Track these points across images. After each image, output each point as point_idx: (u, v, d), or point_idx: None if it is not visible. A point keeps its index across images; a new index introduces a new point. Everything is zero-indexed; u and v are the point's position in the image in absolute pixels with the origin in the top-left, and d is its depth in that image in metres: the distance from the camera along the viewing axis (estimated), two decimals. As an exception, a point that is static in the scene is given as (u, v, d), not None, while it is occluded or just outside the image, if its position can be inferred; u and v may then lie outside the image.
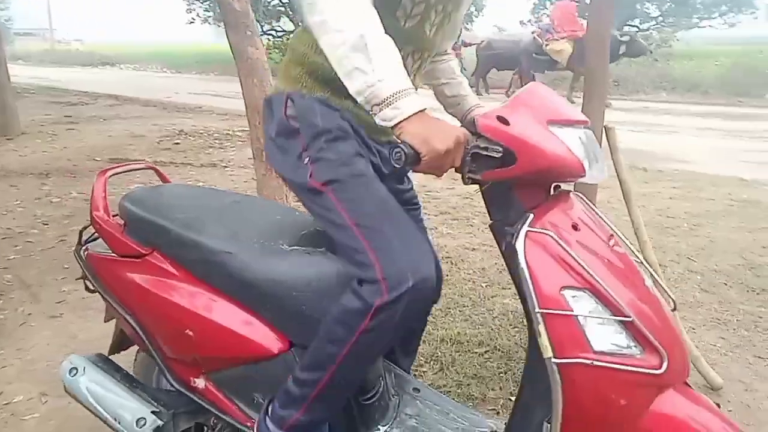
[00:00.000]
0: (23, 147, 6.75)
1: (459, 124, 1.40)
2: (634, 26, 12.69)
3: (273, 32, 16.17)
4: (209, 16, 21.60)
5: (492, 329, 2.62)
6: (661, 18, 19.10)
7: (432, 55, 1.35)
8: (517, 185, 1.09)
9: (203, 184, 5.22)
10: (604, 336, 1.00)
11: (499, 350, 2.44)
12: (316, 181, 1.15)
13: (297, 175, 1.19)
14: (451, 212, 4.41)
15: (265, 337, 1.31)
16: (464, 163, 1.03)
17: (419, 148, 0.95)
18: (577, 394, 1.00)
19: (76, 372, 1.57)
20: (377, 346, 1.18)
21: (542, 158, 1.02)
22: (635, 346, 1.00)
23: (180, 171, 5.73)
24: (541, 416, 1.10)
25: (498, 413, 2.07)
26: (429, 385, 1.72)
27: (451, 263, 3.39)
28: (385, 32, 1.05)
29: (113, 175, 1.71)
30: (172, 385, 1.50)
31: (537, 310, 1.00)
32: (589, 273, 1.00)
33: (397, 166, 0.95)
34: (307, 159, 1.17)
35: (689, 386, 1.07)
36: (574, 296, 1.01)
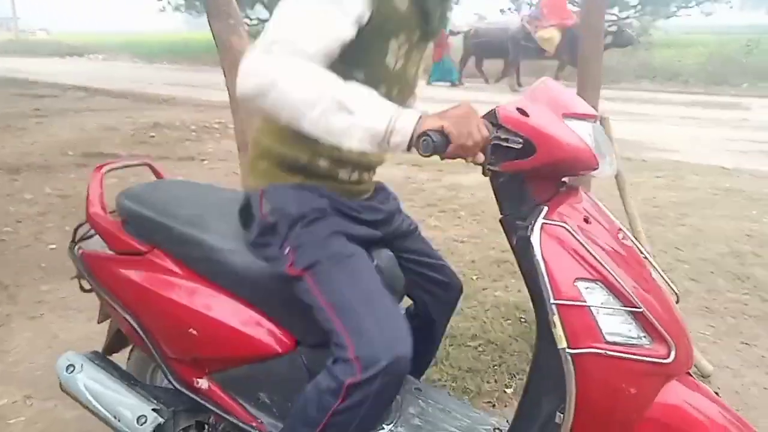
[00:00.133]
0: (-9, 142, 6.53)
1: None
2: (613, 14, 12.74)
3: (248, 20, 15.92)
4: (181, 5, 21.19)
5: (485, 322, 2.60)
6: (639, 6, 19.29)
7: (413, 92, 1.36)
8: (529, 179, 1.11)
9: (181, 177, 5.09)
10: (616, 326, 1.03)
11: (492, 343, 2.42)
12: (295, 268, 1.17)
13: (279, 265, 1.21)
14: (438, 204, 4.38)
15: (270, 335, 1.31)
16: (485, 153, 1.04)
17: (447, 129, 0.95)
18: (589, 384, 1.02)
19: (74, 369, 1.56)
20: (351, 428, 1.13)
21: (561, 149, 1.03)
22: (645, 337, 1.04)
23: (157, 164, 5.58)
24: (549, 407, 1.13)
25: (494, 406, 2.07)
26: (425, 380, 1.72)
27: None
28: (377, 77, 1.13)
29: (109, 171, 1.68)
30: (173, 386, 1.48)
31: (552, 301, 1.03)
32: (601, 265, 1.03)
33: (426, 154, 0.95)
34: (287, 249, 1.19)
35: (691, 375, 1.11)
36: (587, 288, 1.03)
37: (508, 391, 2.11)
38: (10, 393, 2.16)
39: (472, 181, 4.98)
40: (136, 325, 1.48)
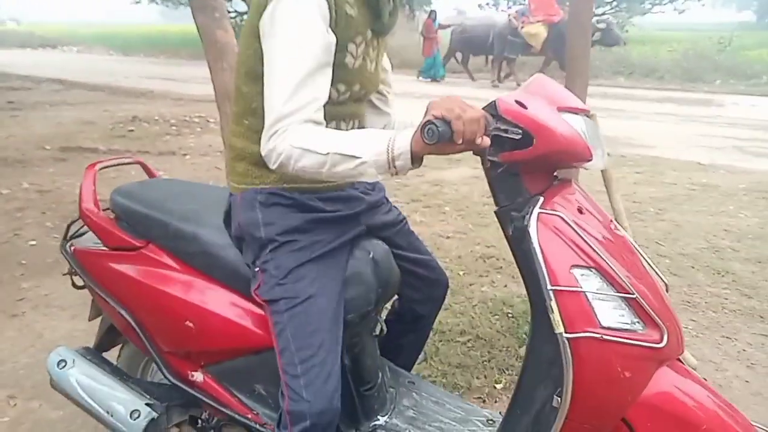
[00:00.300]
0: (-36, 136, 6.36)
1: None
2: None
3: (227, 12, 15.75)
4: (157, -4, 20.80)
5: (473, 317, 2.62)
6: (615, 3, 19.57)
7: (376, 88, 1.39)
8: (524, 171, 1.13)
9: (162, 173, 4.98)
10: (611, 312, 1.06)
11: (481, 339, 2.45)
12: (260, 294, 1.24)
13: (253, 281, 1.27)
14: (423, 199, 4.39)
15: (265, 327, 1.31)
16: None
17: (448, 115, 0.96)
18: (586, 368, 1.05)
19: (65, 364, 1.54)
20: None
21: (558, 141, 1.06)
22: (638, 322, 1.07)
23: (134, 156, 5.50)
24: (545, 393, 1.15)
25: (484, 402, 2.09)
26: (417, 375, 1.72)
27: (427, 251, 3.37)
28: (338, 75, 1.17)
29: (102, 168, 1.68)
30: (168, 380, 1.49)
31: (549, 287, 1.05)
32: (596, 253, 1.07)
33: (431, 142, 0.96)
34: (257, 268, 1.25)
35: (681, 362, 1.14)
36: (582, 275, 1.07)
37: (498, 386, 2.14)
38: (-7, 393, 2.12)
39: (456, 177, 5.01)
40: (130, 320, 1.49)
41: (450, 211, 4.15)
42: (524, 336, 2.39)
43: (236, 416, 1.40)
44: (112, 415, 1.44)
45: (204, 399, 1.43)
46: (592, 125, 1.14)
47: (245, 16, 1.32)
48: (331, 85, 1.17)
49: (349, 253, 1.31)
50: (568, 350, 1.04)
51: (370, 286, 1.33)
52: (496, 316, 2.63)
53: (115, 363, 1.71)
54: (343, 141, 1.05)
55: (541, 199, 1.10)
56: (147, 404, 1.44)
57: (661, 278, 1.19)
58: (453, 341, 2.42)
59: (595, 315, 1.05)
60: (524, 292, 1.18)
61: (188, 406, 1.51)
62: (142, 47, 23.06)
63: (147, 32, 26.71)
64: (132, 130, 6.89)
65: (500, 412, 1.33)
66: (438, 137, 0.95)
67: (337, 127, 1.28)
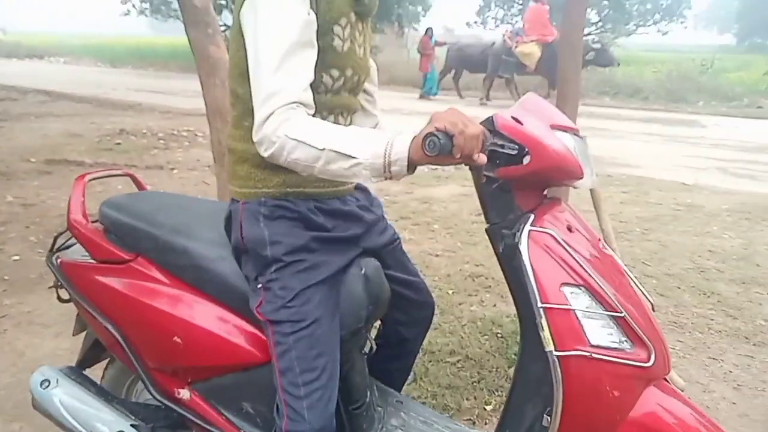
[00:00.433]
0: (-54, 147, 6.28)
1: None
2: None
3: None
4: (146, 8, 20.81)
5: (462, 337, 2.62)
6: (600, 24, 19.94)
7: (368, 76, 1.40)
8: (516, 188, 1.15)
9: (150, 187, 4.94)
10: (599, 330, 1.08)
11: (471, 359, 2.44)
12: (262, 313, 1.22)
13: (252, 297, 1.25)
14: (411, 217, 4.40)
15: (255, 343, 1.31)
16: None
17: (451, 129, 0.96)
18: (575, 386, 1.07)
19: (48, 384, 1.51)
20: None
21: (552, 157, 1.08)
22: (626, 341, 1.09)
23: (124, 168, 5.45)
24: (534, 412, 1.16)
25: (474, 423, 2.07)
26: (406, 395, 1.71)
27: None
28: (329, 60, 1.18)
29: (92, 180, 1.67)
30: (154, 398, 1.46)
31: (539, 304, 1.07)
32: (585, 271, 1.09)
33: (432, 154, 0.96)
34: (259, 285, 1.23)
35: (668, 381, 1.16)
36: (572, 293, 1.08)
37: (488, 408, 2.13)
38: (-27, 414, 2.06)
39: (444, 194, 5.03)
40: (117, 335, 1.46)
41: (439, 229, 4.16)
42: (513, 356, 2.39)
43: None
44: (96, 437, 1.40)
45: (190, 417, 1.41)
46: (581, 144, 1.17)
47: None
48: (324, 71, 1.18)
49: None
50: (558, 368, 1.06)
51: (361, 303, 1.33)
52: (486, 336, 2.63)
53: (99, 382, 1.68)
54: (339, 138, 1.03)
55: (532, 216, 1.12)
56: (132, 425, 1.42)
57: (648, 298, 1.20)
58: (442, 362, 2.41)
59: (585, 333, 1.07)
60: (513, 311, 1.19)
61: (174, 427, 1.49)
62: (130, 59, 23.01)
63: (136, 44, 26.65)
64: (119, 143, 6.84)
65: (488, 434, 1.33)
66: (439, 150, 0.95)
67: (335, 119, 1.28)
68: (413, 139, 0.99)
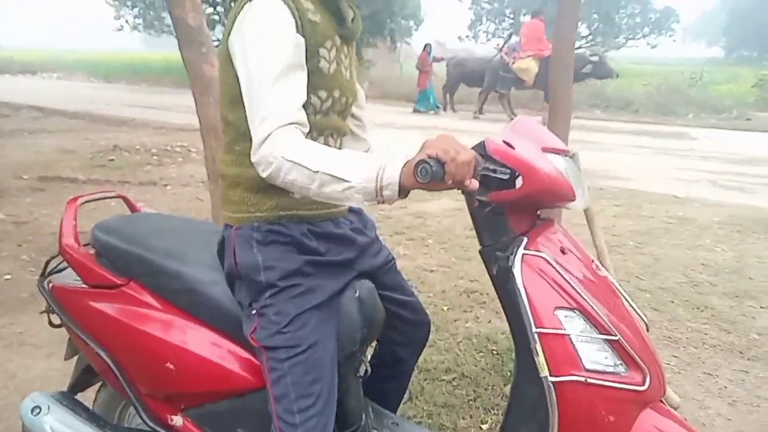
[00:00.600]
0: (-63, 164, 6.25)
1: None
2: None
3: (210, 43, 15.84)
4: (139, 24, 20.88)
5: (458, 355, 2.61)
6: (590, 37, 20.18)
7: (356, 99, 1.41)
8: (509, 211, 1.15)
9: (143, 204, 4.94)
10: (594, 354, 1.08)
11: (466, 377, 2.43)
12: (257, 339, 1.21)
13: (246, 323, 1.25)
14: (406, 232, 4.40)
15: (249, 369, 1.30)
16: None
17: (443, 157, 0.97)
18: (571, 411, 1.06)
19: (40, 411, 1.50)
20: None
21: (544, 181, 1.09)
22: (621, 365, 1.09)
23: (117, 190, 5.43)
24: None
25: (470, 443, 2.06)
26: (400, 416, 1.70)
27: (411, 286, 3.36)
28: (316, 82, 1.19)
29: (84, 203, 1.66)
30: (146, 424, 1.45)
31: (534, 330, 1.07)
32: (579, 294, 1.09)
33: (424, 181, 0.97)
34: (254, 311, 1.23)
35: (663, 403, 1.15)
36: (566, 316, 1.09)
37: (484, 427, 2.12)
38: (-36, 438, 2.05)
39: (438, 209, 5.04)
40: (109, 361, 1.45)
41: (433, 244, 4.16)
42: (509, 374, 2.38)
43: None
44: (87, 465, 1.38)
45: None
46: (573, 166, 1.17)
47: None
48: (312, 92, 1.19)
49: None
50: (553, 394, 1.06)
51: (355, 326, 1.32)
52: (481, 353, 2.62)
53: (91, 406, 1.66)
54: (333, 161, 1.05)
55: (525, 239, 1.12)
56: None
57: (642, 318, 1.21)
58: (438, 380, 2.41)
59: (579, 358, 1.07)
60: (508, 328, 1.18)
61: None
62: (124, 74, 23.05)
63: (129, 59, 26.69)
64: (112, 160, 6.83)
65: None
66: (431, 177, 0.96)
67: (325, 141, 1.29)
68: (405, 164, 1.00)
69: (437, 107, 13.41)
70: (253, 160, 1.10)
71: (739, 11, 42.76)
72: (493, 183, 1.09)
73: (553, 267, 1.10)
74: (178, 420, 1.40)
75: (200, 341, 1.33)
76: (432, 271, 3.63)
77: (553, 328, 1.06)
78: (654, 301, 3.25)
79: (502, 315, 1.20)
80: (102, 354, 1.46)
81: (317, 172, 1.04)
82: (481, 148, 1.10)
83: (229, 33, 1.18)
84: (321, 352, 1.20)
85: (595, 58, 10.69)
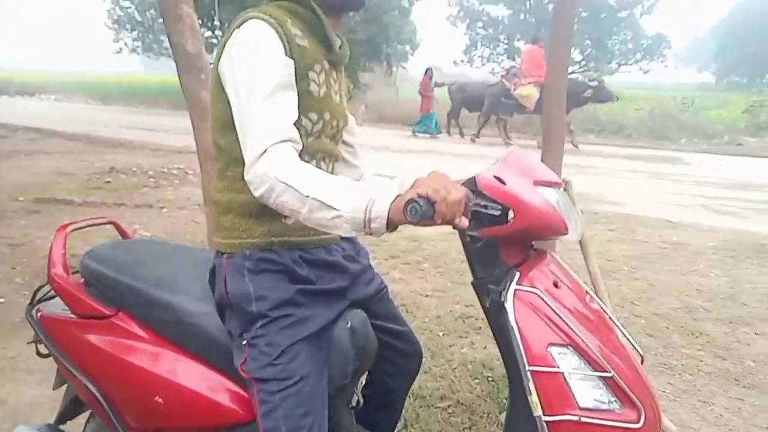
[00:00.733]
0: (-67, 185, 6.24)
1: None
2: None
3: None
4: (138, 46, 21.10)
5: (453, 381, 2.60)
6: (584, 62, 20.50)
7: (346, 123, 1.42)
8: (501, 244, 1.15)
9: (139, 226, 4.97)
10: (588, 392, 1.07)
11: (462, 404, 2.42)
12: (247, 371, 1.20)
13: (237, 353, 1.23)
14: (401, 256, 4.41)
15: (240, 402, 1.28)
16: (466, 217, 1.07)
17: (433, 196, 0.96)
18: None
19: None
20: None
21: (535, 216, 1.09)
22: (615, 401, 1.07)
23: (113, 212, 5.43)
24: None
25: (466, 472, 2.04)
26: None
27: (407, 311, 3.36)
28: (306, 104, 1.20)
29: (74, 230, 1.66)
30: None
31: (527, 368, 1.06)
32: (572, 330, 1.08)
33: (414, 221, 0.97)
34: (244, 341, 1.21)
35: None
36: (559, 353, 1.08)
37: (480, 455, 2.11)
38: (-50, 467, 2.02)
39: (434, 233, 5.03)
40: (97, 393, 1.43)
41: (428, 268, 4.16)
42: (504, 401, 2.37)
43: None
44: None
45: None
46: (565, 197, 1.19)
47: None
48: (303, 114, 1.20)
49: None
50: None
51: (347, 358, 1.32)
52: (476, 380, 2.61)
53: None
54: (324, 187, 1.04)
55: (518, 274, 1.12)
56: None
57: (637, 349, 1.20)
58: (433, 407, 2.39)
59: (573, 396, 1.06)
60: (503, 356, 1.17)
61: None
62: (121, 96, 23.18)
63: (127, 81, 26.88)
64: (109, 182, 6.83)
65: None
66: (420, 216, 0.96)
67: (317, 165, 1.30)
68: (396, 198, 0.99)
69: (438, 132, 13.49)
70: (246, 178, 1.09)
71: (728, 38, 43.56)
72: (484, 218, 1.09)
73: (546, 303, 1.09)
74: None
75: (190, 374, 1.32)
76: (427, 295, 3.63)
77: (546, 366, 1.06)
78: (649, 327, 3.25)
79: (497, 342, 1.21)
80: (90, 386, 1.44)
81: (308, 196, 1.03)
82: (471, 183, 1.10)
83: (219, 59, 1.20)
84: (312, 384, 1.19)
85: (594, 83, 10.80)
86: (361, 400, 1.47)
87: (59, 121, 13.29)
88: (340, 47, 1.34)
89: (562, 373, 1.06)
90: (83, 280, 1.53)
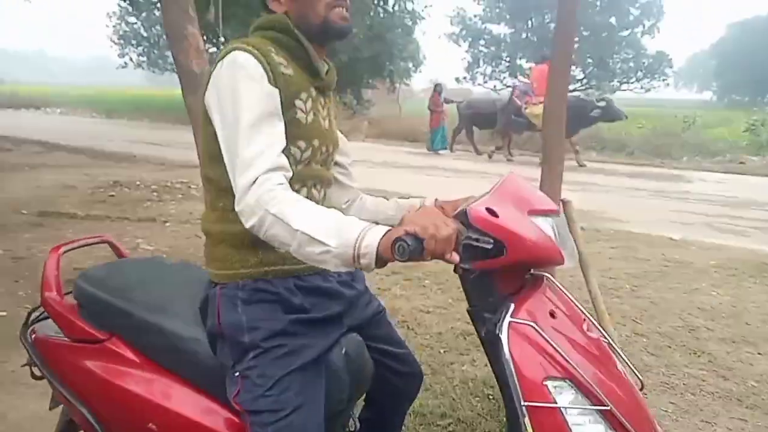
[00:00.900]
0: (-62, 197, 6.28)
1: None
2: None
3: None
4: (143, 61, 21.32)
5: (454, 399, 2.59)
6: (585, 80, 20.65)
7: (337, 147, 1.42)
8: (496, 272, 1.13)
9: (141, 240, 4.99)
10: (586, 427, 1.04)
11: (462, 422, 2.41)
12: (239, 403, 1.19)
13: (230, 385, 1.23)
14: (403, 272, 4.40)
15: (234, 429, 1.26)
16: (458, 252, 1.05)
17: (422, 234, 0.95)
18: None
19: None
20: None
21: (529, 249, 1.07)
22: None
23: (116, 226, 5.46)
24: None
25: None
26: None
27: (408, 327, 3.36)
28: (294, 132, 1.20)
29: (67, 251, 1.64)
30: None
31: (522, 403, 1.03)
32: (569, 363, 1.05)
33: (403, 259, 0.95)
34: (237, 373, 1.21)
35: None
36: (556, 387, 1.05)
37: (481, 474, 2.09)
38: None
39: (436, 249, 5.04)
40: (90, 418, 1.42)
41: (430, 285, 4.16)
42: (505, 419, 2.36)
43: None
44: None
45: None
46: (562, 224, 1.18)
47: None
48: (291, 143, 1.20)
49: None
50: None
51: (342, 385, 1.30)
52: (477, 398, 2.60)
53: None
54: (314, 222, 1.03)
55: (512, 306, 1.10)
56: None
57: (637, 376, 1.18)
58: (434, 425, 2.38)
59: (570, 431, 1.03)
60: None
61: None
62: (126, 110, 23.33)
63: (132, 95, 27.12)
64: (112, 195, 6.87)
65: None
66: (408, 255, 0.95)
67: (309, 192, 1.29)
68: (386, 234, 0.98)
69: (444, 148, 13.52)
70: (237, 209, 1.09)
71: (728, 57, 43.86)
72: (477, 252, 1.07)
73: (542, 335, 1.07)
74: None
75: (184, 401, 1.30)
76: (428, 312, 3.63)
77: (542, 401, 1.03)
78: (651, 345, 3.24)
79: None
80: (83, 411, 1.43)
81: (297, 230, 1.02)
82: (463, 216, 1.07)
83: (205, 92, 1.21)
84: (306, 415, 1.18)
85: (602, 103, 10.86)
86: (358, 425, 1.45)
87: (64, 135, 13.38)
88: (327, 72, 1.34)
89: (559, 408, 1.03)
90: (77, 302, 1.51)
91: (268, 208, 1.05)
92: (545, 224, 1.12)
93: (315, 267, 1.26)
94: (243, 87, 1.14)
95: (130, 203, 6.51)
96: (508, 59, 23.59)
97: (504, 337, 1.06)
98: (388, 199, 1.58)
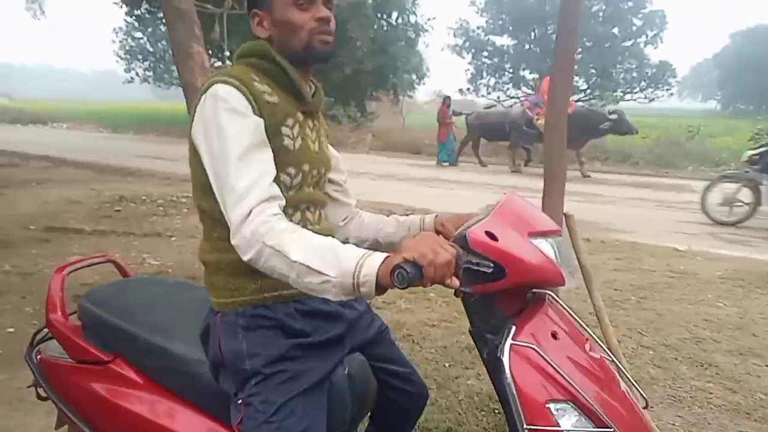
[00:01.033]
0: (-54, 214, 6.33)
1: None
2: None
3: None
4: (149, 76, 21.51)
5: (459, 414, 2.58)
6: (588, 90, 20.71)
7: (329, 168, 1.42)
8: (497, 294, 1.13)
9: (147, 255, 5.01)
10: None
11: (468, 437, 2.40)
12: (243, 431, 1.18)
13: (233, 413, 1.22)
14: (408, 285, 4.40)
15: None
16: (458, 277, 1.05)
17: (420, 260, 0.95)
18: None
19: None
20: None
21: (530, 272, 1.07)
22: None
23: (122, 241, 5.48)
24: None
25: None
26: None
27: (413, 341, 3.36)
28: (283, 159, 1.20)
29: (72, 272, 1.65)
30: None
31: (525, 426, 1.02)
32: (571, 385, 1.04)
33: (402, 286, 0.95)
34: (239, 400, 1.20)
35: None
36: (558, 409, 1.05)
37: (487, 490, 2.08)
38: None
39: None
40: None
41: (435, 297, 4.16)
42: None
43: None
44: None
45: None
46: (563, 244, 1.17)
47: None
48: (281, 170, 1.20)
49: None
50: None
51: (345, 407, 1.30)
52: (483, 412, 2.59)
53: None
54: (312, 252, 1.03)
55: (514, 328, 1.10)
56: None
57: (641, 394, 1.18)
58: (440, 440, 2.38)
59: None
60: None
61: None
62: (132, 125, 23.52)
63: (138, 110, 27.35)
64: (118, 210, 6.91)
65: None
66: (408, 282, 0.95)
67: (302, 215, 1.29)
68: (384, 261, 0.98)
69: (451, 161, 13.53)
70: (233, 242, 1.09)
71: (731, 66, 43.83)
72: (478, 275, 1.07)
73: (543, 357, 1.07)
74: None
75: (187, 424, 1.30)
76: (434, 325, 3.62)
77: (545, 424, 1.03)
78: (657, 358, 3.22)
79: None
80: None
81: (296, 261, 1.02)
82: (462, 240, 1.07)
83: (191, 126, 1.21)
84: None
85: (614, 116, 10.85)
86: None
87: (70, 150, 13.49)
88: (314, 95, 1.34)
89: (562, 430, 1.03)
90: (81, 323, 1.52)
91: (264, 240, 1.04)
92: (546, 246, 1.11)
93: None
94: (227, 120, 1.14)
95: (136, 218, 6.55)
96: (511, 70, 23.70)
97: (506, 359, 1.06)
98: (387, 215, 1.58)
